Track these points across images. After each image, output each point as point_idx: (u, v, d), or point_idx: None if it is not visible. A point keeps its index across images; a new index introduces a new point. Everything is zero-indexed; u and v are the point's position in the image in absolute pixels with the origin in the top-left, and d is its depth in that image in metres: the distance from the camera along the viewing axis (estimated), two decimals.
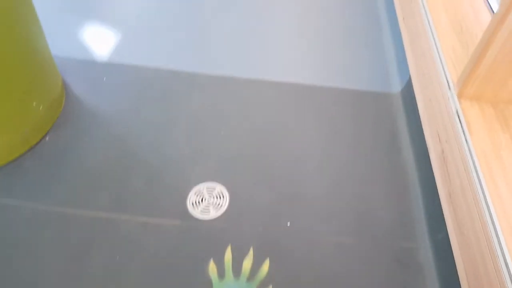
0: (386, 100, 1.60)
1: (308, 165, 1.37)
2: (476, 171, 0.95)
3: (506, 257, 0.82)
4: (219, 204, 1.28)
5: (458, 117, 1.05)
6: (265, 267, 1.14)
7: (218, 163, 1.37)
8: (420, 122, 1.37)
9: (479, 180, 0.94)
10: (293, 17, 1.94)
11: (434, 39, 1.35)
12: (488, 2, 1.42)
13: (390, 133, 1.48)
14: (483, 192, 0.93)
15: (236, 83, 1.62)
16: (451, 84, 1.13)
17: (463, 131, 1.01)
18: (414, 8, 1.56)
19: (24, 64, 1.26)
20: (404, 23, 1.67)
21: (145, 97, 1.54)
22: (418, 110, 1.41)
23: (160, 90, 1.57)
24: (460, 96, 1.09)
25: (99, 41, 1.74)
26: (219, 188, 1.31)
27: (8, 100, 1.25)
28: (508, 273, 0.81)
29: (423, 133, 1.34)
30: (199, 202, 1.28)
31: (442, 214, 1.11)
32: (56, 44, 1.66)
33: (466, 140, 0.99)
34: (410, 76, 1.53)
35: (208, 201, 1.28)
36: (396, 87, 1.64)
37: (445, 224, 1.08)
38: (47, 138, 1.40)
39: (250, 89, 1.60)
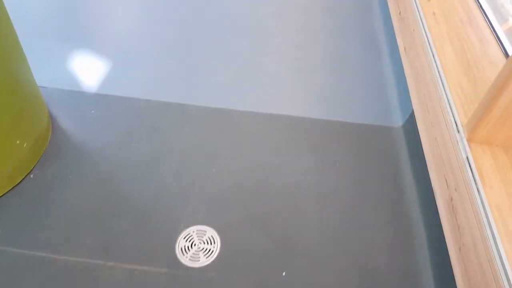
0: (387, 134, 1.53)
1: (305, 207, 1.29)
2: (490, 227, 0.86)
3: None
4: (209, 250, 1.19)
5: (469, 164, 0.96)
6: None
7: (210, 204, 1.28)
8: (425, 160, 1.29)
9: (494, 237, 0.85)
10: (289, 46, 1.87)
11: (439, 73, 1.27)
12: (495, 32, 1.36)
13: (392, 171, 1.40)
14: (497, 250, 0.84)
15: (230, 115, 1.54)
16: (459, 126, 1.06)
17: (475, 180, 0.93)
18: (416, 38, 1.49)
19: (5, 100, 1.18)
20: (406, 53, 1.60)
21: (134, 131, 1.46)
22: (421, 147, 1.33)
23: (149, 123, 1.49)
24: (470, 140, 1.01)
25: (88, 70, 1.67)
26: (210, 232, 1.22)
27: None
28: None
29: (428, 173, 1.25)
30: (188, 248, 1.19)
31: (451, 267, 1.02)
32: (43, 74, 1.59)
33: (478, 191, 0.91)
34: (412, 109, 1.46)
35: (198, 246, 1.19)
36: (398, 120, 1.57)
37: (454, 279, 0.99)
38: (31, 176, 1.32)
39: (244, 122, 1.53)
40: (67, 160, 1.36)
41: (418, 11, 1.54)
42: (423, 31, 1.43)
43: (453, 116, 1.10)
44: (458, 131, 1.06)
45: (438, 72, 1.29)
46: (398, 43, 1.70)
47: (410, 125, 1.51)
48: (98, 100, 1.55)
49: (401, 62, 1.66)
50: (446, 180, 1.08)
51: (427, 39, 1.39)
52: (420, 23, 1.48)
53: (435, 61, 1.31)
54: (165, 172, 1.35)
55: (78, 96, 1.56)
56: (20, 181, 1.30)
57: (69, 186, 1.30)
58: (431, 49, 1.35)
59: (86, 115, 1.49)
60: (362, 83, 1.70)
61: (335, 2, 2.14)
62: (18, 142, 1.25)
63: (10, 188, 1.28)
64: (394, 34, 1.78)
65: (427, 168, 1.26)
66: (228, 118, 1.53)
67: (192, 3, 2.05)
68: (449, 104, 1.13)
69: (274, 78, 1.71)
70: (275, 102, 1.60)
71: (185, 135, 1.46)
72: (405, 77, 1.57)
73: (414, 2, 1.61)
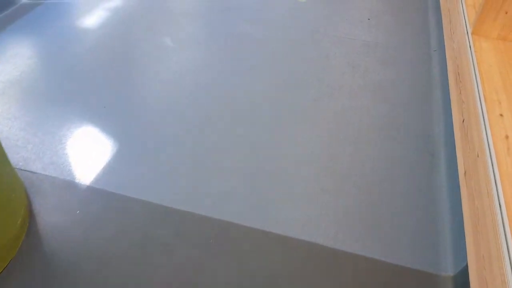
0: (432, 284, 1.17)
1: None
2: None
3: None
4: None
5: None
6: None
7: None
8: None
9: None
10: (315, 145, 1.59)
11: (504, 233, 0.93)
12: None
13: None
14: None
15: (233, 231, 1.28)
16: None
17: None
18: (480, 168, 1.15)
19: None
20: (466, 180, 1.26)
21: (119, 241, 1.24)
22: None
23: (139, 233, 1.26)
24: None
25: (86, 155, 1.50)
26: None
27: None
28: None
29: None
30: None
31: None
32: (29, 159, 1.44)
33: None
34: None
35: None
36: (448, 268, 1.21)
37: None
38: None
39: (250, 243, 1.25)
40: (34, 274, 1.16)
41: (486, 130, 1.21)
42: (489, 164, 1.09)
43: None
44: None
45: (504, 230, 0.94)
46: (458, 162, 1.36)
47: (464, 278, 1.15)
48: (88, 195, 1.36)
49: (458, 186, 1.32)
50: None
51: (494, 178, 1.05)
52: (487, 150, 1.14)
53: (501, 214, 0.97)
54: None
55: (67, 187, 1.38)
56: None
57: None
58: (498, 195, 1.01)
59: (70, 215, 1.30)
60: (407, 213, 1.37)
61: (388, 89, 1.85)
62: None
63: None
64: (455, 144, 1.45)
65: None
66: (231, 235, 1.26)
67: (204, 94, 1.86)
68: None
69: (294, 189, 1.43)
70: (291, 221, 1.32)
71: (178, 254, 1.21)
72: (462, 210, 1.23)
73: (481, 113, 1.28)
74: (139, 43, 2.11)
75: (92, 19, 2.31)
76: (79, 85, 1.82)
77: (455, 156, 1.45)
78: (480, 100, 1.31)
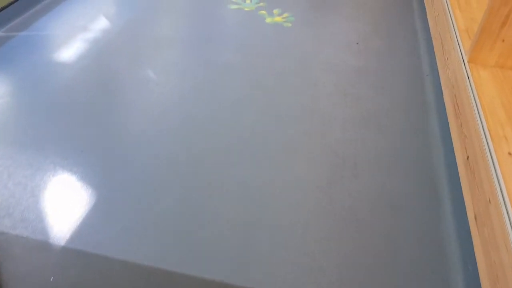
0: None
1: None
2: None
3: None
4: None
5: None
6: None
7: None
8: None
9: None
10: (310, 186, 1.49)
11: None
12: None
13: None
14: None
15: None
16: None
17: None
18: (493, 217, 1.06)
19: None
20: (477, 227, 1.17)
21: None
22: None
23: None
24: None
25: (55, 215, 1.36)
26: None
27: None
28: None
29: None
30: None
31: None
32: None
33: None
34: None
35: None
36: None
37: None
38: None
39: None
40: None
41: (496, 172, 1.12)
42: (504, 213, 1.00)
43: None
44: None
45: None
46: (466, 204, 1.27)
47: None
48: (63, 258, 1.22)
49: (468, 231, 1.23)
50: None
51: None
52: (500, 195, 1.05)
53: None
54: None
55: (39, 249, 1.24)
56: None
57: None
58: None
59: (43, 282, 1.16)
60: (412, 260, 1.26)
61: (382, 119, 1.76)
62: None
63: None
64: (460, 182, 1.36)
65: None
66: None
67: (190, 132, 1.75)
68: None
69: (290, 241, 1.32)
70: (286, 277, 1.20)
71: None
72: (475, 259, 1.13)
73: (488, 152, 1.19)
74: (119, 77, 2.00)
75: (69, 52, 2.19)
76: (55, 127, 1.69)
77: (461, 193, 1.36)
78: (485, 137, 1.23)
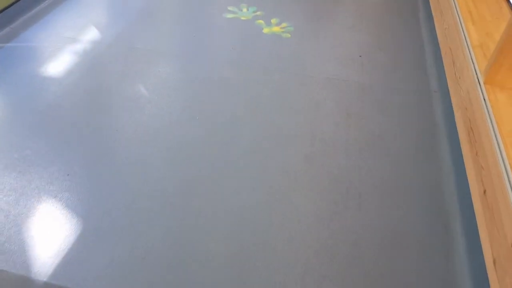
0: None
1: None
2: None
3: None
4: None
5: None
6: None
7: None
8: None
9: None
10: (312, 219, 1.36)
11: None
12: None
13: None
14: None
15: None
16: None
17: None
18: None
19: None
20: (497, 274, 1.04)
21: None
22: None
23: None
24: None
25: (38, 247, 1.24)
26: None
27: None
28: None
29: None
30: None
31: None
32: None
33: None
34: None
35: None
36: None
37: None
38: None
39: None
40: None
41: None
42: None
43: None
44: None
45: None
46: (483, 245, 1.14)
47: None
48: None
49: (486, 275, 1.10)
50: None
51: None
52: None
53: None
54: None
55: (20, 285, 1.12)
56: None
57: None
58: None
59: None
60: None
61: (389, 142, 1.64)
62: None
63: None
64: (475, 221, 1.23)
65: None
66: None
67: (182, 155, 1.63)
68: None
69: (290, 281, 1.19)
70: None
71: None
72: None
73: (509, 189, 1.06)
74: (109, 94, 1.87)
75: (57, 65, 2.07)
76: (39, 148, 1.57)
77: (476, 229, 1.23)
78: (505, 170, 1.10)
